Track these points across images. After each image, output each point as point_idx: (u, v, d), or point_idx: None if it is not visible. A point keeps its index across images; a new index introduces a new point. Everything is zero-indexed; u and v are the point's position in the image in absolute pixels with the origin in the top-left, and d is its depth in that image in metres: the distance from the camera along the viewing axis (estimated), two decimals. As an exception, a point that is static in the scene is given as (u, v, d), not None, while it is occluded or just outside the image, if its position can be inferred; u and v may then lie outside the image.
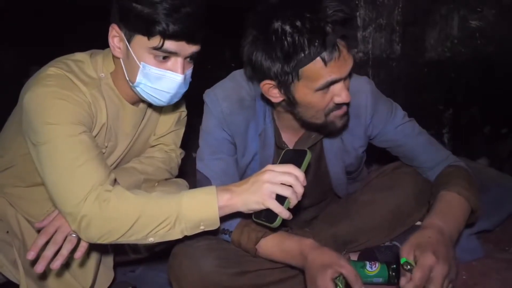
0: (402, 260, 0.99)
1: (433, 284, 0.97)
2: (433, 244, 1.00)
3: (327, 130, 1.19)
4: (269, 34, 1.01)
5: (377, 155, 1.43)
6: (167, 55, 1.08)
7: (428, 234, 1.04)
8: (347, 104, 1.11)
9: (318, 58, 1.01)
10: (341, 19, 1.00)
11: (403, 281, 0.99)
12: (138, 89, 1.15)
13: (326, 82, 1.03)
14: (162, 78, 1.10)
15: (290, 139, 1.27)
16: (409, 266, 0.98)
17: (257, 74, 1.10)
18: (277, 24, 1.01)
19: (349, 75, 1.09)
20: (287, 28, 1.00)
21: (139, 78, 1.11)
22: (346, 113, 1.14)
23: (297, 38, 0.99)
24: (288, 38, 0.99)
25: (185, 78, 1.13)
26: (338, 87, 1.06)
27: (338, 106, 1.09)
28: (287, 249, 1.11)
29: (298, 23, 0.99)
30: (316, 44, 0.99)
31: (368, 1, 1.92)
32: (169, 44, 1.06)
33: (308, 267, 1.06)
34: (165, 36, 1.04)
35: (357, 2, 1.91)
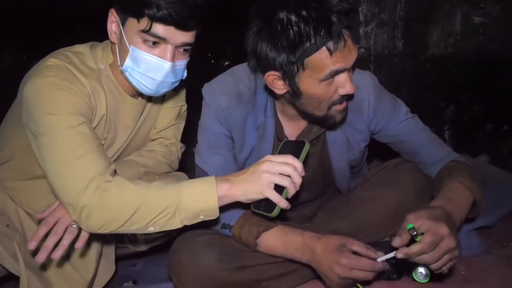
0: (410, 226, 0.99)
1: (436, 251, 0.98)
2: (445, 219, 1.01)
3: (326, 124, 1.19)
4: (274, 24, 1.00)
5: (377, 150, 1.43)
6: (156, 41, 1.08)
7: (439, 211, 1.05)
8: (348, 99, 1.11)
9: (324, 48, 1.00)
10: (346, 9, 1.00)
11: (397, 241, 1.00)
12: (126, 73, 1.15)
13: (331, 71, 1.03)
14: (150, 63, 1.10)
15: (292, 133, 1.27)
16: (415, 233, 0.98)
17: (261, 65, 1.09)
18: (282, 14, 1.00)
19: (353, 68, 1.08)
20: (293, 17, 0.99)
21: (128, 62, 1.12)
22: (346, 108, 1.14)
23: (302, 27, 0.98)
24: (294, 28, 0.99)
25: (174, 67, 1.12)
26: (342, 78, 1.06)
27: (341, 99, 1.09)
28: (290, 241, 1.11)
29: (304, 13, 0.98)
30: (322, 33, 0.98)
31: (371, -4, 1.91)
32: (158, 28, 1.06)
33: (320, 256, 1.07)
34: (154, 18, 1.04)
35: (359, -3, 1.91)
